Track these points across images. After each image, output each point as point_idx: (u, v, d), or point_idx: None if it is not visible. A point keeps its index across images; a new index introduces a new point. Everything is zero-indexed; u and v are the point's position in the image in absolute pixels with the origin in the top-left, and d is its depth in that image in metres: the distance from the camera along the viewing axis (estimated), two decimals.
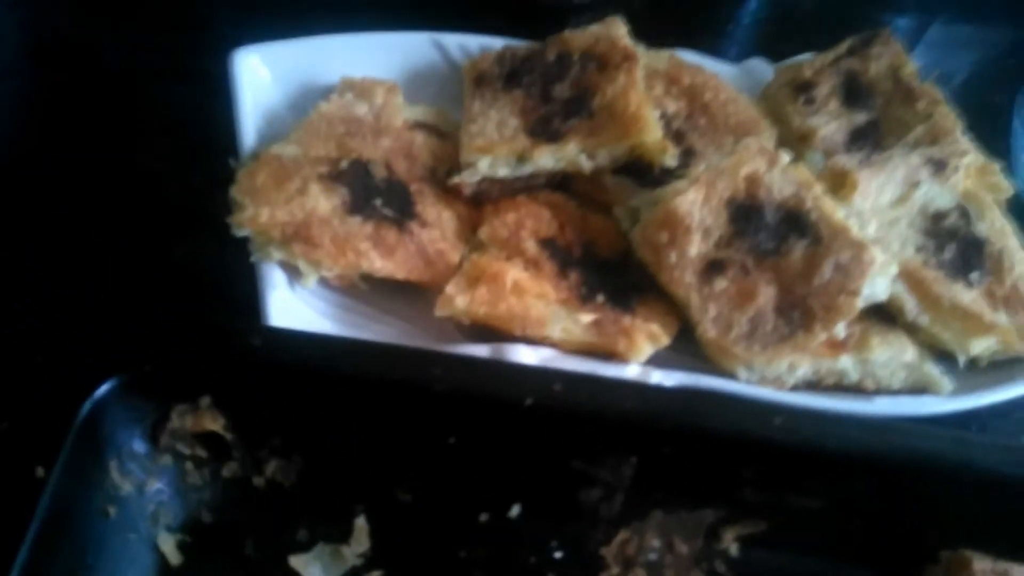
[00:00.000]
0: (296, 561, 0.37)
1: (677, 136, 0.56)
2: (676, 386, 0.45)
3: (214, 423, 0.37)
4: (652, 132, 0.52)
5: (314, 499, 0.38)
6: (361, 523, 0.38)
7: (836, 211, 0.50)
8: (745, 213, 0.49)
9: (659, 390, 0.42)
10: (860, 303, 0.47)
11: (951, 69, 0.66)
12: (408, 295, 0.51)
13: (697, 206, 0.49)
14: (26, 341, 0.35)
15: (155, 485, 0.36)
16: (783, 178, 0.51)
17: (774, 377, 0.48)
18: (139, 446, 0.36)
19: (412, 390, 0.38)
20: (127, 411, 0.35)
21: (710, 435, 0.39)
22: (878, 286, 0.48)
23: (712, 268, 0.48)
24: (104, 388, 0.33)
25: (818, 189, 0.50)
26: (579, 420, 0.39)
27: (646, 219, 0.50)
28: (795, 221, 0.49)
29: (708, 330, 0.47)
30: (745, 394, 0.45)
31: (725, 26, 0.76)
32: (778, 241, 0.49)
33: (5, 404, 0.32)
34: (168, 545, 0.36)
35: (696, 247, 0.48)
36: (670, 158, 0.52)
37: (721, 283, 0.48)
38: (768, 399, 0.46)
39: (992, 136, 0.58)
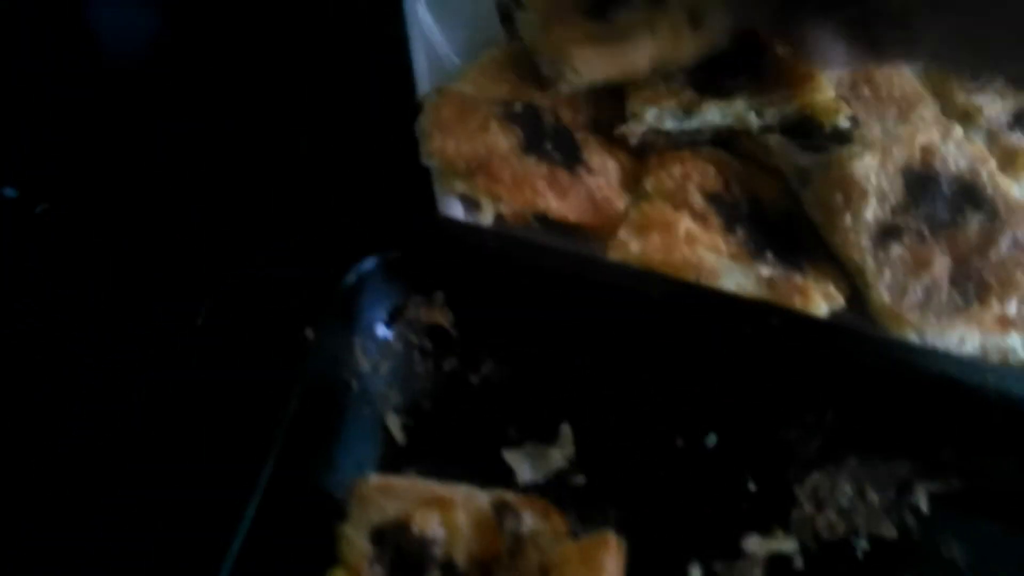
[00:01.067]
0: (509, 455, 0.38)
1: None
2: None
3: (443, 317, 0.38)
4: (824, 91, 0.52)
5: (524, 402, 0.39)
6: (566, 430, 0.39)
7: (1012, 187, 0.50)
8: (921, 182, 0.49)
9: (871, 337, 0.42)
10: None
11: None
12: (573, 240, 0.51)
13: (873, 170, 0.49)
14: (298, 219, 0.37)
15: (387, 368, 0.38)
16: (958, 151, 0.51)
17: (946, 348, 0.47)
18: (379, 329, 0.37)
19: (629, 303, 0.39)
20: (376, 293, 0.36)
21: (917, 383, 0.39)
22: None
23: (887, 233, 0.48)
24: (365, 264, 0.35)
25: (993, 164, 0.51)
26: (791, 356, 0.39)
27: (821, 180, 0.50)
28: (971, 194, 0.49)
29: (883, 295, 0.47)
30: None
31: None
32: (954, 212, 0.49)
33: (282, 272, 0.33)
34: (395, 425, 0.37)
35: (872, 211, 0.48)
36: (843, 119, 0.52)
37: (896, 249, 0.47)
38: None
39: None
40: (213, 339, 0.40)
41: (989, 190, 0.49)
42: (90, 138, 0.54)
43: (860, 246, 0.48)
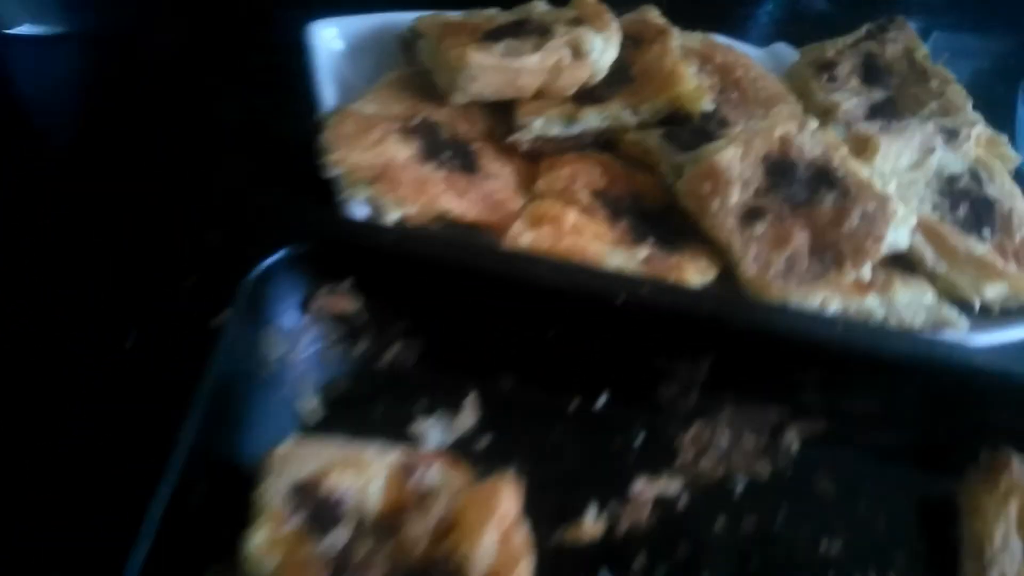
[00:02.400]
0: (418, 425, 0.42)
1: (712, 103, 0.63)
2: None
3: (351, 305, 0.42)
4: (688, 81, 0.58)
5: (431, 378, 0.43)
6: (471, 399, 0.43)
7: (861, 169, 0.56)
8: (779, 168, 0.55)
9: (736, 300, 0.47)
10: (884, 248, 0.53)
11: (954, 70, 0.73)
12: (473, 238, 0.55)
13: (736, 160, 0.55)
14: (212, 215, 0.40)
15: (300, 354, 0.41)
16: (813, 140, 0.57)
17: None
18: (290, 318, 0.41)
19: (520, 286, 0.43)
20: (285, 284, 0.40)
21: (779, 338, 0.45)
22: (900, 234, 0.54)
23: (751, 214, 0.54)
24: (274, 257, 0.38)
25: (844, 150, 0.57)
26: (662, 320, 0.44)
27: (690, 172, 0.55)
28: (825, 176, 0.55)
29: (749, 268, 0.52)
30: None
31: (744, 23, 0.85)
32: (810, 193, 0.55)
33: (192, 263, 0.37)
34: (308, 407, 0.41)
35: (736, 196, 0.54)
36: (707, 103, 0.59)
37: (759, 227, 0.53)
38: None
39: (996, 121, 0.66)
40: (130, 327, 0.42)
41: (841, 172, 0.56)
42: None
43: (727, 227, 0.53)
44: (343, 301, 0.42)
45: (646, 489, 0.42)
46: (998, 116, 0.67)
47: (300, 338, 0.41)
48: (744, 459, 0.45)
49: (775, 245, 0.53)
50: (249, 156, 0.56)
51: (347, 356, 0.43)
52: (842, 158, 0.56)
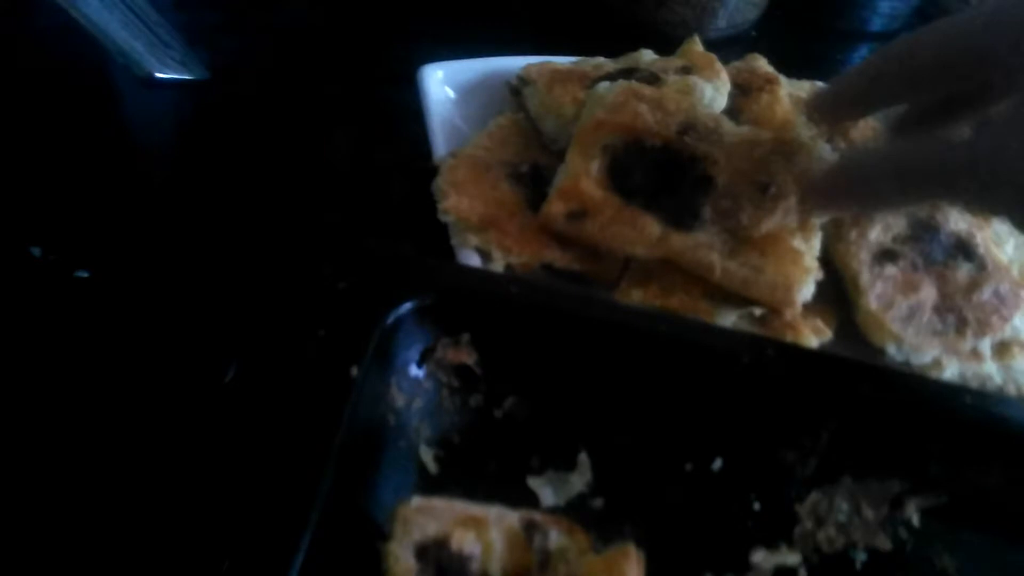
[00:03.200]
0: (532, 482, 0.41)
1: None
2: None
3: (468, 357, 0.42)
4: (800, 129, 0.58)
5: (544, 434, 0.43)
6: (584, 458, 0.43)
7: (1001, 254, 0.55)
8: (923, 225, 0.54)
9: (857, 364, 0.46)
10: (1008, 330, 0.52)
11: None
12: (578, 287, 0.55)
13: None
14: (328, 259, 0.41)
15: (419, 404, 0.41)
16: (959, 215, 0.56)
17: (919, 369, 0.51)
18: (412, 369, 0.41)
19: (639, 341, 0.43)
20: (408, 336, 0.40)
21: (903, 408, 0.43)
22: None
23: (885, 255, 0.53)
24: (402, 308, 0.39)
25: (988, 233, 0.55)
26: (786, 383, 0.43)
27: None
28: (964, 248, 0.54)
29: (871, 302, 0.51)
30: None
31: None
32: (947, 257, 0.53)
33: (322, 315, 0.37)
34: (427, 456, 0.41)
35: (876, 233, 0.53)
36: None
37: (891, 269, 0.52)
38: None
39: None
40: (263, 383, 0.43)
41: (981, 249, 0.54)
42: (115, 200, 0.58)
43: (859, 258, 0.52)
44: (462, 353, 0.42)
45: (765, 560, 0.41)
46: None
47: (419, 388, 0.42)
48: (864, 531, 0.44)
49: (902, 290, 0.52)
50: (364, 206, 0.57)
51: (463, 407, 0.43)
52: (985, 239, 0.55)
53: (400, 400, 0.40)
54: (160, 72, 0.68)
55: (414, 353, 0.41)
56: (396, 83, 0.62)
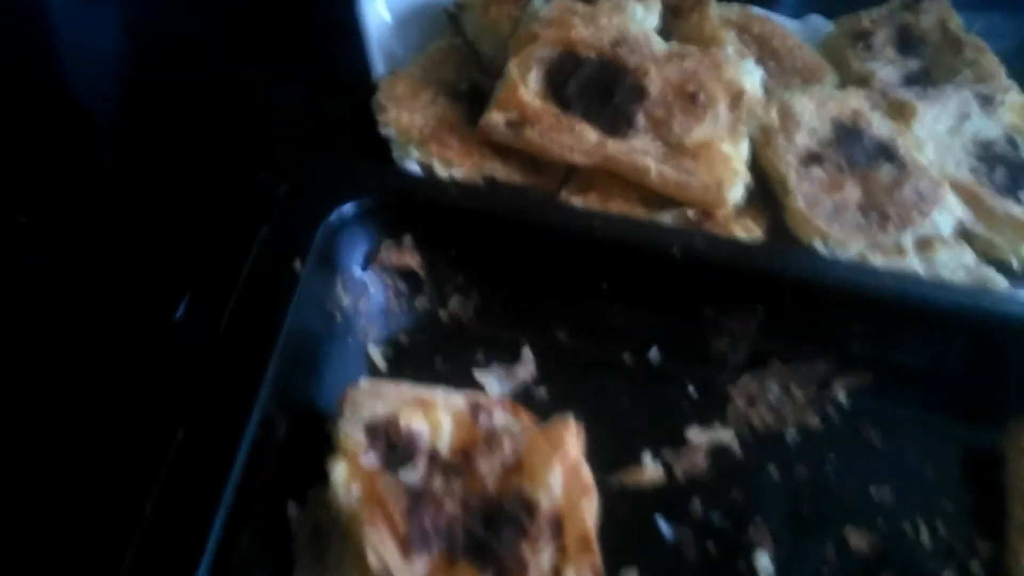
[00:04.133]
0: (478, 374, 0.43)
1: None
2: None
3: (412, 259, 0.43)
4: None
5: (488, 331, 0.45)
6: (527, 352, 0.44)
7: (921, 157, 0.57)
8: (847, 130, 0.57)
9: (783, 252, 0.48)
10: (927, 225, 0.54)
11: None
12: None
13: (810, 109, 0.57)
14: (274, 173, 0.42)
15: (365, 305, 0.43)
16: (882, 120, 0.58)
17: None
18: (357, 270, 0.42)
19: (574, 240, 0.45)
20: (351, 237, 0.41)
21: (827, 291, 0.46)
22: (943, 219, 0.55)
23: (811, 159, 0.55)
24: (344, 209, 0.40)
25: (912, 138, 0.58)
26: (715, 272, 0.45)
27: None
28: (887, 151, 0.57)
29: (798, 200, 0.53)
30: None
31: None
32: (869, 159, 0.56)
33: (269, 212, 0.38)
34: (376, 354, 0.42)
35: (802, 139, 0.56)
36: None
37: (817, 171, 0.55)
38: None
39: None
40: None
41: (902, 152, 0.57)
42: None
43: (787, 161, 0.55)
44: (405, 255, 0.43)
45: (700, 437, 0.43)
46: None
47: (365, 290, 0.43)
48: (793, 411, 0.46)
49: (828, 190, 0.54)
50: (305, 127, 0.57)
51: (409, 309, 0.44)
52: (906, 142, 0.57)
53: (346, 299, 0.42)
54: None
55: (358, 255, 0.42)
56: (336, 5, 0.62)
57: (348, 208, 0.40)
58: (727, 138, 0.53)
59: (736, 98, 0.54)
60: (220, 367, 0.35)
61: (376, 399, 0.36)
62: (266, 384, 0.35)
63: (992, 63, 0.65)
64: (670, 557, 0.39)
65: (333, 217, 0.39)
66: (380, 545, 0.32)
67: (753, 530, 0.41)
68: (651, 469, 0.42)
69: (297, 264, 0.37)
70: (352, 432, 0.35)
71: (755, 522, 0.41)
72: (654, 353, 0.46)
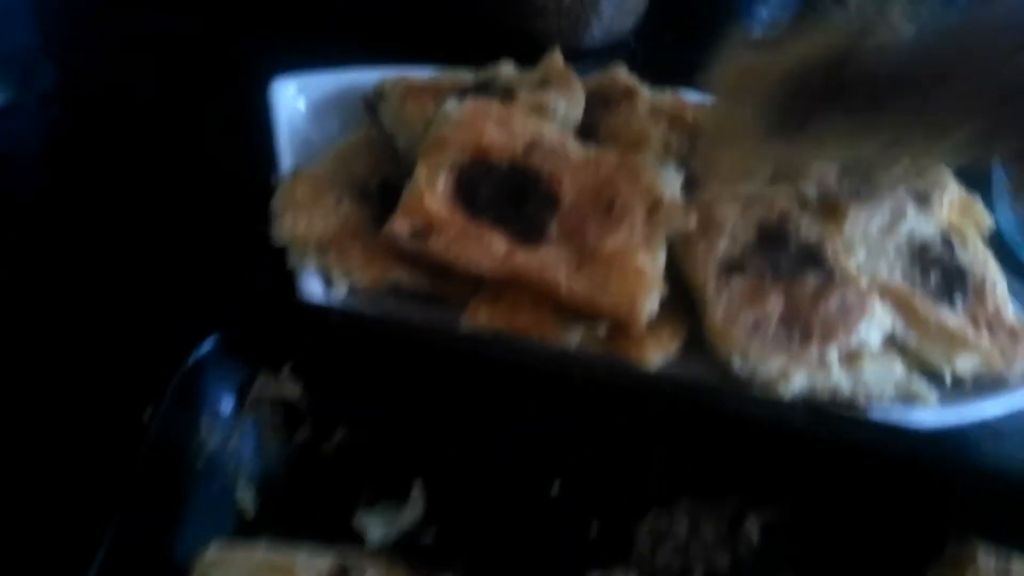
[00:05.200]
0: (360, 519, 0.40)
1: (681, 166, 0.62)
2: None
3: (291, 391, 0.40)
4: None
5: (375, 466, 0.42)
6: (418, 490, 0.41)
7: (851, 263, 0.56)
8: (772, 235, 0.55)
9: (693, 384, 0.46)
10: (853, 340, 0.53)
11: None
12: (426, 307, 0.53)
13: (733, 215, 0.55)
14: (136, 302, 0.38)
15: (236, 444, 0.39)
16: (811, 222, 0.57)
17: (766, 380, 0.51)
18: (226, 406, 0.39)
19: (468, 365, 0.42)
20: (220, 371, 0.38)
21: (738, 428, 0.43)
22: (872, 334, 0.53)
23: (732, 267, 0.53)
24: (206, 345, 0.37)
25: (840, 243, 0.56)
26: (618, 402, 0.43)
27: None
28: (814, 257, 0.55)
29: (716, 314, 0.51)
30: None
31: None
32: (795, 268, 0.54)
33: (120, 353, 0.35)
34: (246, 497, 0.39)
35: (724, 244, 0.54)
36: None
37: (738, 282, 0.52)
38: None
39: (969, 183, 0.65)
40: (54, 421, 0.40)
41: (830, 258, 0.55)
42: None
43: (706, 271, 0.53)
44: (283, 387, 0.40)
45: None
46: (971, 178, 0.66)
47: (237, 426, 0.40)
48: (702, 550, 0.44)
49: (748, 302, 0.52)
50: (203, 222, 0.54)
51: (287, 444, 0.41)
52: (835, 249, 0.56)
53: (212, 441, 0.38)
54: None
55: (228, 389, 0.39)
56: (251, 94, 0.60)
57: (210, 343, 0.37)
58: (643, 248, 0.51)
59: (654, 206, 0.52)
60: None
61: (228, 567, 0.33)
62: (108, 539, 0.31)
63: None
64: None
65: (192, 356, 0.36)
66: None
67: None
68: None
69: (147, 415, 0.34)
70: None
71: None
72: (556, 488, 0.43)
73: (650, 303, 0.49)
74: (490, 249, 0.49)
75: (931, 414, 0.53)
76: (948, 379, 0.55)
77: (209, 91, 0.68)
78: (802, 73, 0.44)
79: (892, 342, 0.55)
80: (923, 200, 0.61)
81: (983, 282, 0.57)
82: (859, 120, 0.44)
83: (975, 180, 0.65)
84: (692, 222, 0.53)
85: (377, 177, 0.56)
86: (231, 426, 0.39)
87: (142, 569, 0.33)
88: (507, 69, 0.63)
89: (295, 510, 0.39)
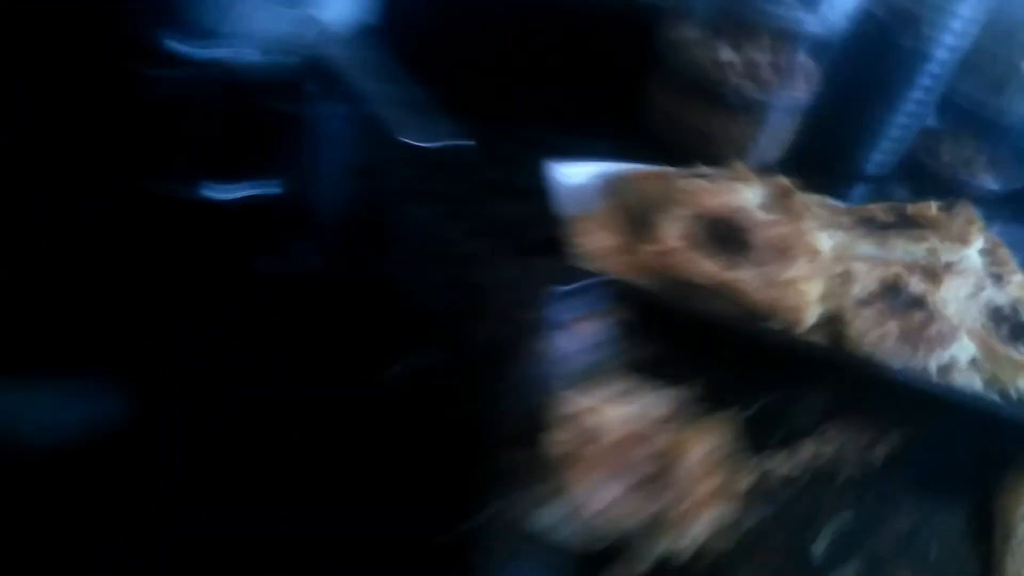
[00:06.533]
0: None
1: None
2: None
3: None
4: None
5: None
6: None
7: (944, 308, 0.81)
8: (890, 287, 0.80)
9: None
10: (947, 355, 0.77)
11: None
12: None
13: (864, 270, 0.82)
14: None
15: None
16: (917, 280, 0.83)
17: None
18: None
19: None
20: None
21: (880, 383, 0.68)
22: (960, 353, 0.78)
23: (863, 303, 0.79)
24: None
25: (938, 299, 0.82)
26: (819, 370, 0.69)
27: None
28: (919, 303, 0.80)
29: (852, 329, 0.77)
30: None
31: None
32: (906, 308, 0.79)
33: None
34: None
35: (857, 288, 0.80)
36: None
37: (867, 312, 0.78)
38: None
39: None
40: None
41: (930, 303, 0.81)
42: None
43: (846, 303, 0.78)
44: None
45: None
46: None
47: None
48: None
49: (875, 324, 0.77)
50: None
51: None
52: (934, 301, 0.81)
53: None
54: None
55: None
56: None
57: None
58: (806, 280, 0.78)
59: (814, 255, 0.80)
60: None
61: None
62: None
63: (1005, 254, 0.90)
64: None
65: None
66: None
67: None
68: None
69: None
70: None
71: None
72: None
73: (811, 314, 0.76)
74: (705, 268, 0.77)
75: None
76: (1014, 394, 0.78)
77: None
78: None
79: (974, 363, 0.79)
80: (998, 279, 0.86)
81: None
82: None
83: None
84: (838, 270, 0.80)
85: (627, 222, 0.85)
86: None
87: None
88: (704, 168, 0.93)
89: None
